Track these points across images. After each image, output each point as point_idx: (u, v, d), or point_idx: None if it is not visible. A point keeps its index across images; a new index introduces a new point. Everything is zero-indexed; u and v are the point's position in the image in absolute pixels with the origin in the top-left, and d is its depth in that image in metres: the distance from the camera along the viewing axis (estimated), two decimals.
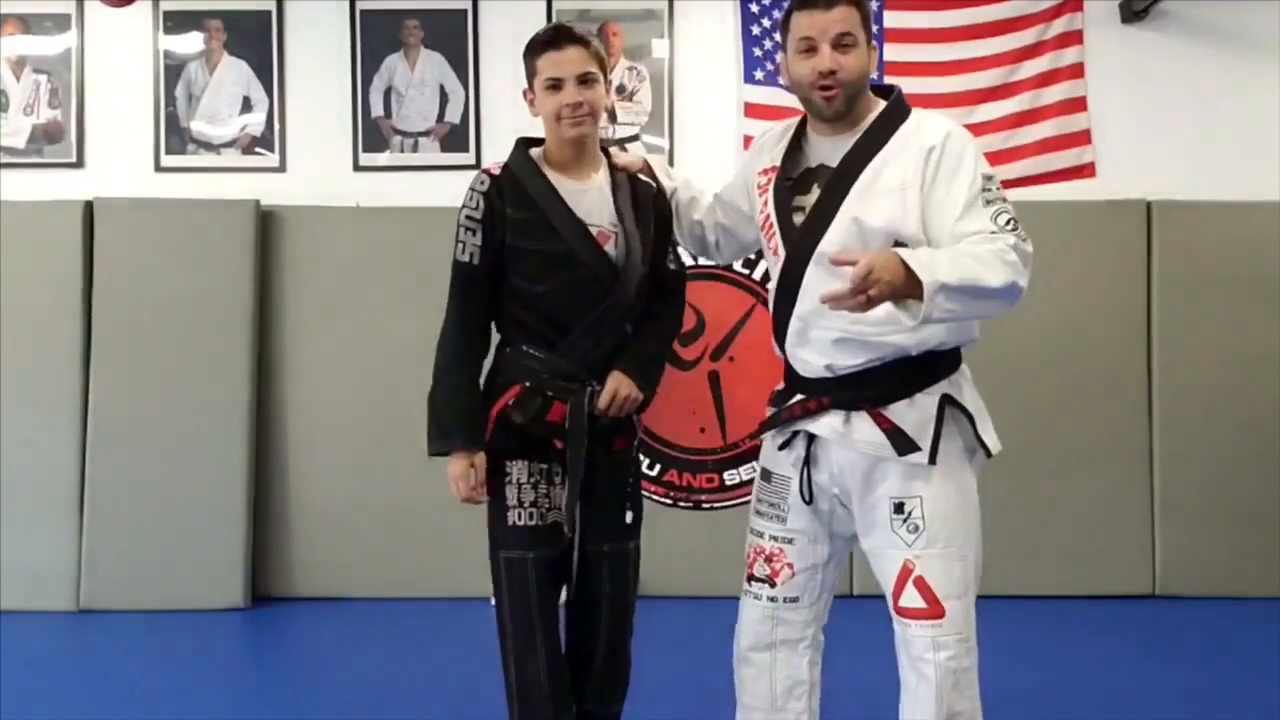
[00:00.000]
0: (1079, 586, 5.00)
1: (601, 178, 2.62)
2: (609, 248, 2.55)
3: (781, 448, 2.47)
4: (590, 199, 2.57)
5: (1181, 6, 5.21)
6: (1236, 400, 5.01)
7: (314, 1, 5.30)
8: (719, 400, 5.13)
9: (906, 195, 2.28)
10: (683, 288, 2.78)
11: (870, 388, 2.33)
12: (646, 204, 2.63)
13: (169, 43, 5.31)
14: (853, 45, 2.32)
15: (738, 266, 5.06)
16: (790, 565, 2.46)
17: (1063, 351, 5.02)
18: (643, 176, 2.69)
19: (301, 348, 5.13)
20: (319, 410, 5.11)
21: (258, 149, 5.33)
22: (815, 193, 2.38)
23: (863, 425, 2.33)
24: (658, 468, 5.09)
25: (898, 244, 2.26)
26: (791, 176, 2.43)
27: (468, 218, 2.57)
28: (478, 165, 5.12)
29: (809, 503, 2.42)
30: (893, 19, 5.18)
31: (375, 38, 5.31)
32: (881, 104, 2.40)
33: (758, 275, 5.12)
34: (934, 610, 2.31)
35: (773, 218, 2.42)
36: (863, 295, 2.08)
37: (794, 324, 2.39)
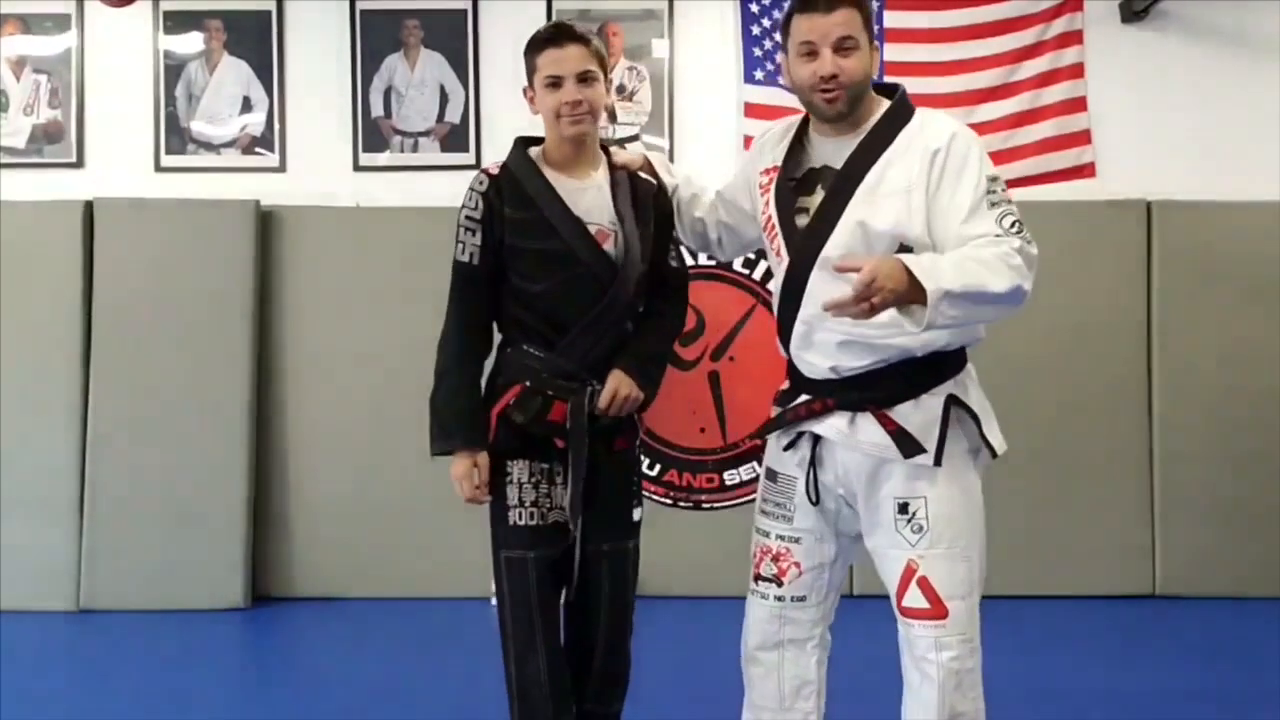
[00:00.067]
0: (1079, 586, 5.00)
1: (601, 176, 2.61)
2: (608, 246, 2.54)
3: (787, 448, 2.47)
4: (589, 197, 2.57)
5: (1181, 6, 5.21)
6: (1236, 400, 5.01)
7: (314, 1, 5.30)
8: (719, 400, 5.13)
9: (911, 198, 2.27)
10: (685, 285, 2.77)
11: (875, 389, 2.32)
12: (646, 201, 2.63)
13: (169, 43, 5.31)
14: (854, 48, 2.30)
15: (738, 266, 5.06)
16: (797, 564, 2.46)
17: (1062, 351, 5.02)
18: (643, 174, 2.68)
19: (301, 348, 5.13)
20: (319, 410, 5.11)
21: (258, 149, 5.33)
22: (819, 194, 2.37)
23: (868, 427, 2.33)
24: (658, 468, 5.09)
25: (902, 248, 2.26)
26: (794, 177, 2.42)
27: (467, 218, 2.57)
28: (478, 165, 5.12)
29: (815, 503, 2.42)
30: (893, 19, 5.18)
31: (375, 38, 5.31)
32: (885, 104, 2.39)
33: (758, 275, 5.12)
34: (937, 610, 2.31)
35: (775, 219, 2.42)
36: (866, 303, 2.08)
37: (798, 327, 2.38)
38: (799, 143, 2.45)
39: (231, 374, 4.99)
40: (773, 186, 2.44)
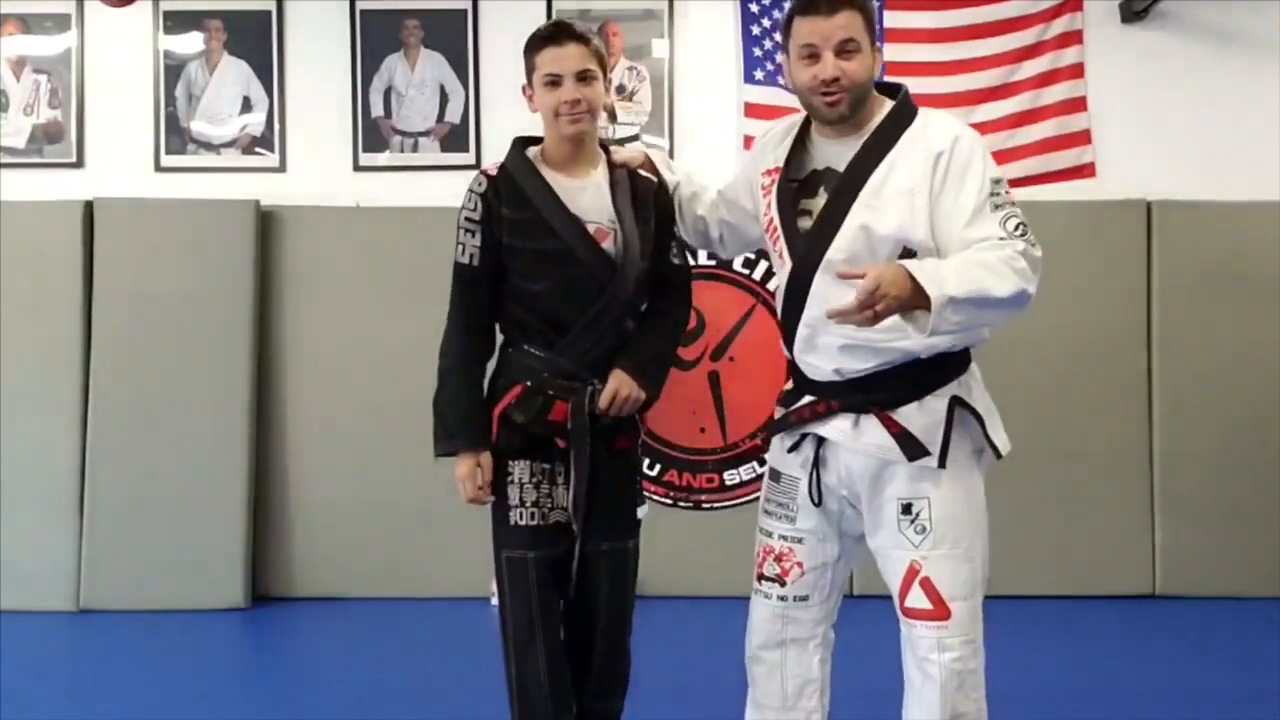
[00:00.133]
0: (1079, 586, 5.00)
1: (600, 174, 2.61)
2: (607, 245, 2.54)
3: (790, 450, 2.46)
4: (588, 196, 2.57)
5: (1181, 6, 5.21)
6: (1236, 400, 5.01)
7: (314, 1, 5.30)
8: (719, 400, 5.13)
9: (915, 201, 2.26)
10: (688, 283, 2.76)
11: (879, 391, 2.32)
12: (646, 199, 2.62)
13: (169, 43, 5.31)
14: (856, 51, 2.29)
15: (738, 265, 5.06)
16: (800, 564, 2.46)
17: (1063, 351, 5.01)
18: (643, 171, 2.68)
19: (301, 348, 5.13)
20: (319, 410, 5.10)
21: (258, 149, 5.33)
22: (822, 196, 2.36)
23: (871, 429, 2.33)
24: (658, 468, 5.09)
25: (906, 251, 2.25)
26: (796, 178, 2.41)
27: (466, 219, 2.58)
28: (478, 165, 5.12)
29: (817, 505, 2.42)
30: (893, 19, 5.18)
31: (375, 38, 5.31)
32: (888, 104, 2.38)
33: (758, 275, 5.12)
34: (940, 611, 2.30)
35: (776, 222, 2.41)
36: (870, 310, 2.07)
37: (802, 331, 2.38)
38: (801, 143, 2.44)
39: (231, 374, 4.99)
40: (775, 188, 2.43)
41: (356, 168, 5.32)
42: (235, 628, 4.74)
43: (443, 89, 5.31)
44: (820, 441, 2.40)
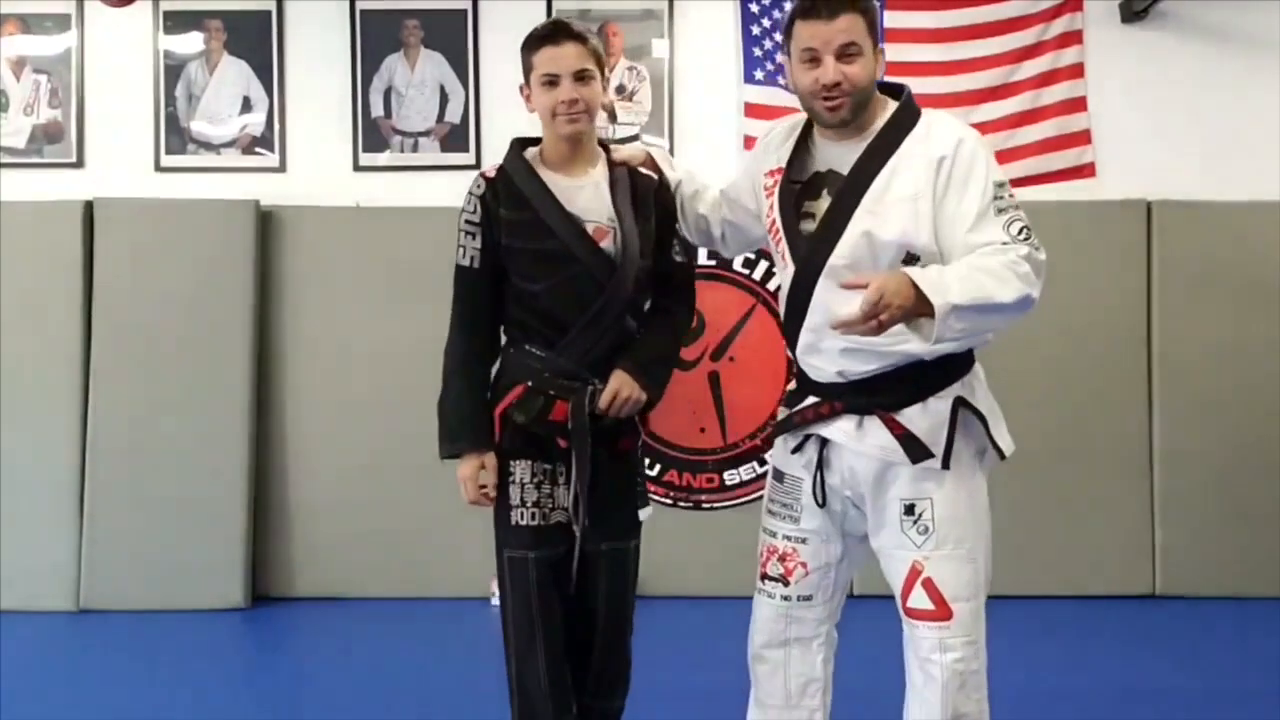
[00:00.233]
0: (1079, 586, 5.00)
1: (599, 173, 2.61)
2: (606, 244, 2.53)
3: (794, 451, 2.45)
4: (586, 195, 2.56)
5: (1181, 6, 5.21)
6: (1236, 400, 5.01)
7: (314, 1, 5.30)
8: (719, 400, 5.13)
9: (918, 206, 2.25)
10: (691, 281, 2.76)
11: (883, 393, 2.32)
12: (647, 197, 2.61)
13: (169, 43, 5.31)
14: (858, 54, 2.27)
15: (738, 265, 5.06)
16: (804, 564, 2.46)
17: (1063, 351, 5.01)
18: (644, 169, 2.67)
19: (301, 348, 5.13)
20: (319, 410, 5.10)
21: (258, 149, 5.33)
22: (825, 199, 2.35)
23: (875, 430, 2.32)
24: (658, 468, 5.09)
25: (909, 257, 2.25)
26: (799, 180, 2.40)
27: (466, 222, 2.58)
28: (478, 165, 5.12)
29: (821, 505, 2.42)
30: (893, 19, 5.18)
31: (375, 38, 5.30)
32: (891, 105, 2.36)
33: (758, 275, 5.12)
34: (941, 612, 2.30)
35: (779, 224, 2.40)
36: (874, 320, 2.07)
37: (805, 334, 2.38)
38: (804, 144, 2.43)
39: (231, 374, 4.99)
40: (777, 190, 2.42)
41: (356, 168, 5.32)
42: (235, 628, 4.74)
43: (443, 89, 5.31)
44: (824, 443, 2.40)
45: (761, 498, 2.61)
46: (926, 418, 2.30)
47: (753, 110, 5.22)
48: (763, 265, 5.08)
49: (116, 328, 4.98)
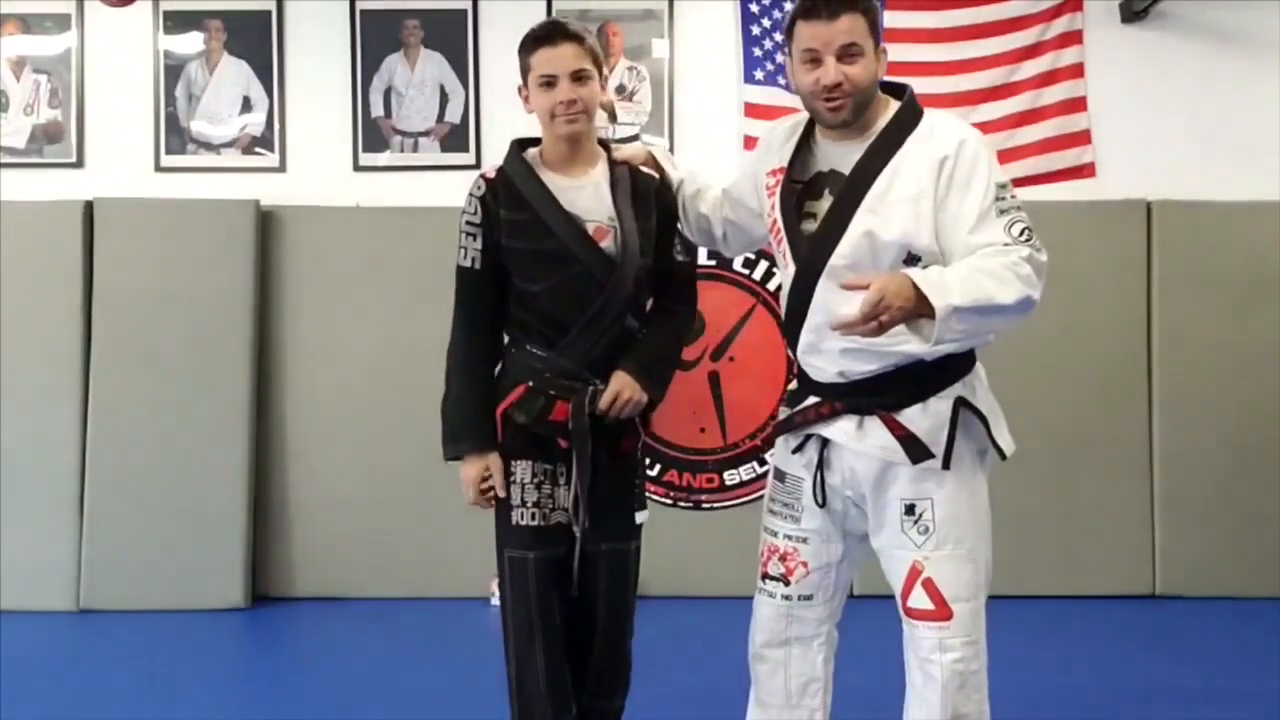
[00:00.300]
0: (1079, 586, 5.00)
1: (599, 173, 2.61)
2: (606, 243, 2.53)
3: (795, 451, 2.45)
4: (586, 195, 2.56)
5: (1181, 6, 5.21)
6: (1236, 400, 5.01)
7: (314, 1, 5.30)
8: (719, 400, 5.14)
9: (919, 206, 2.25)
10: (693, 280, 2.76)
11: (883, 394, 2.31)
12: (648, 196, 2.61)
13: (169, 43, 5.31)
14: (859, 55, 2.26)
15: (738, 265, 5.07)
16: (804, 564, 2.46)
17: (1063, 351, 5.01)
18: (645, 168, 2.67)
19: (301, 348, 5.13)
20: (319, 410, 5.10)
21: (258, 149, 5.33)
22: (826, 199, 2.35)
23: (876, 430, 2.32)
24: (658, 468, 5.09)
25: (910, 257, 2.25)
26: (800, 180, 2.40)
27: (467, 223, 2.58)
28: (478, 165, 5.13)
29: (822, 505, 2.42)
30: (893, 19, 5.17)
31: (375, 38, 5.30)
32: (893, 105, 2.36)
33: (758, 275, 5.12)
34: (941, 612, 2.30)
35: (780, 224, 2.40)
36: (874, 322, 2.07)
37: (805, 334, 2.37)
38: (806, 143, 2.42)
39: (231, 374, 4.99)
40: (779, 189, 2.42)
41: (356, 168, 5.32)
42: (235, 628, 4.74)
43: (443, 89, 5.31)
44: (825, 443, 2.40)
45: (761, 498, 2.61)
46: (927, 418, 2.30)
47: (753, 110, 5.22)
48: (763, 265, 5.08)
49: (116, 328, 4.98)
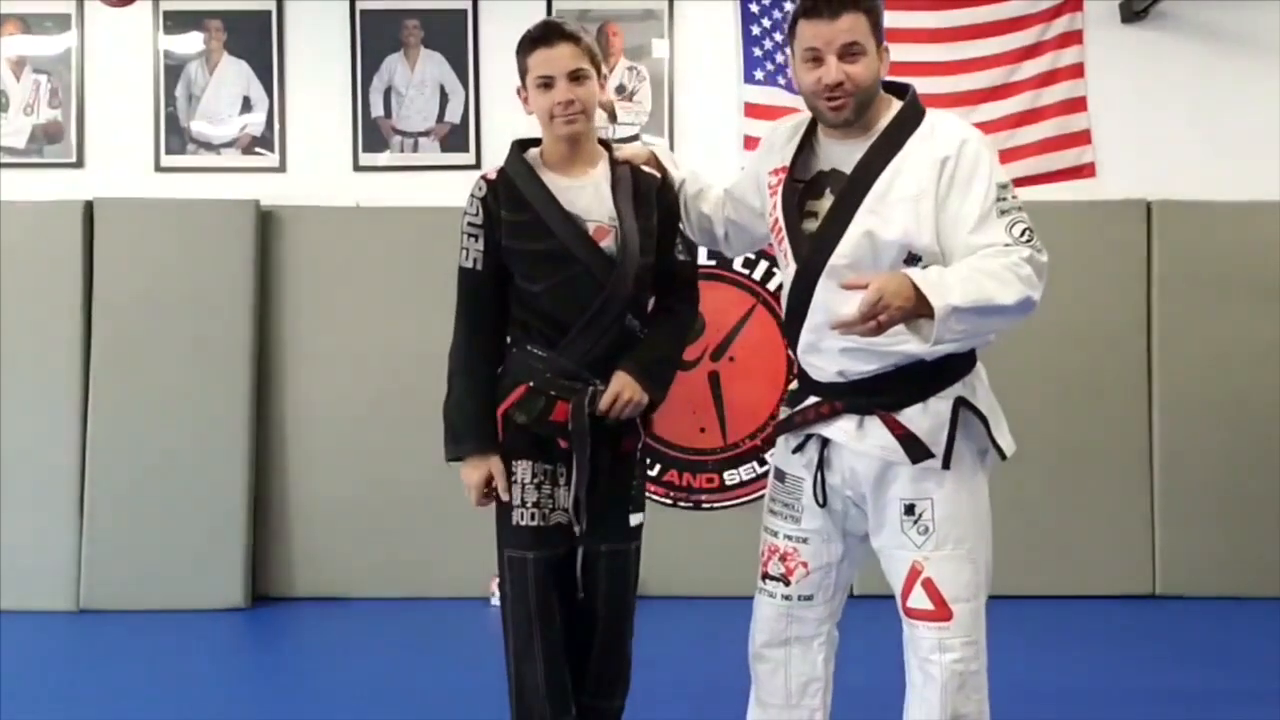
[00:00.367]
0: (1079, 586, 5.00)
1: (600, 173, 2.60)
2: (606, 243, 2.53)
3: (795, 450, 2.45)
4: (587, 195, 2.56)
5: (1181, 6, 5.21)
6: (1236, 400, 5.01)
7: (314, 1, 5.30)
8: (719, 400, 5.14)
9: (920, 206, 2.24)
10: (694, 280, 2.76)
11: (883, 394, 2.31)
12: (649, 195, 2.61)
13: (169, 43, 5.32)
14: (861, 53, 2.26)
15: (738, 265, 5.07)
16: (804, 564, 2.46)
17: (1063, 351, 5.01)
18: (647, 168, 2.67)
19: (301, 348, 5.13)
20: (319, 410, 5.10)
21: (258, 149, 5.33)
22: (828, 198, 2.34)
23: (876, 430, 2.32)
24: (658, 468, 5.09)
25: (911, 257, 2.25)
26: (802, 179, 2.40)
27: (469, 224, 2.58)
28: (478, 165, 5.13)
29: (822, 505, 2.42)
30: (892, 19, 5.05)
31: (375, 38, 5.31)
32: (896, 104, 2.35)
33: (758, 275, 5.12)
34: (941, 612, 2.30)
35: (781, 223, 2.40)
36: (873, 321, 2.07)
37: (805, 334, 2.37)
38: (808, 143, 2.42)
39: (231, 374, 4.99)
40: (781, 189, 2.41)
41: (356, 168, 5.32)
42: (235, 628, 4.74)
43: (443, 89, 5.31)
44: (825, 442, 2.40)
45: (761, 498, 2.61)
46: (927, 418, 2.30)
47: (753, 110, 5.22)
48: (763, 265, 5.08)
49: (116, 328, 4.98)
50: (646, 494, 2.70)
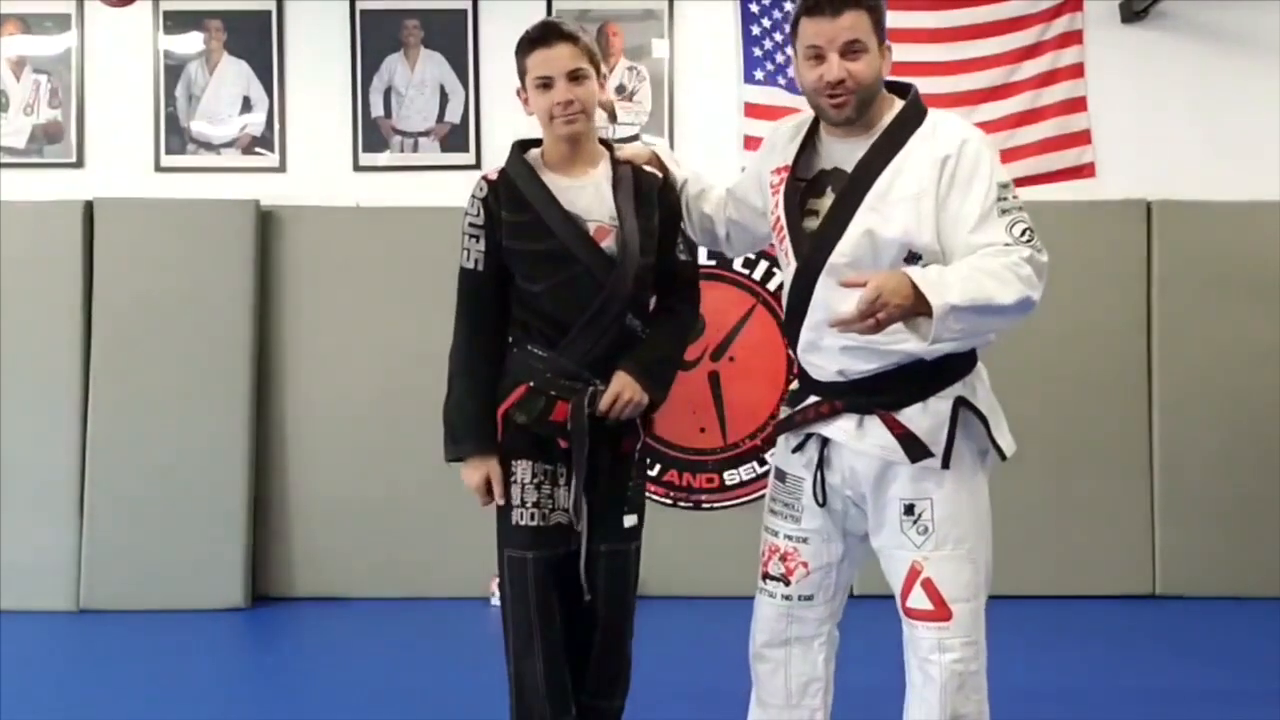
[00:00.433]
0: (1079, 586, 5.00)
1: (601, 173, 2.60)
2: (607, 243, 2.53)
3: (795, 450, 2.45)
4: (587, 195, 2.56)
5: (1181, 6, 5.21)
6: (1237, 400, 5.01)
7: (314, 1, 5.30)
8: (719, 400, 5.14)
9: (921, 205, 2.24)
10: (696, 280, 2.76)
11: (883, 393, 2.31)
12: (649, 195, 2.61)
13: (169, 43, 5.32)
14: (863, 51, 2.26)
15: (738, 265, 5.07)
16: (805, 564, 2.46)
17: (1063, 351, 5.01)
18: (648, 168, 2.67)
19: (301, 348, 5.13)
20: (319, 410, 5.10)
21: (258, 149, 5.33)
22: (829, 197, 2.35)
23: (875, 429, 2.32)
24: (658, 468, 5.09)
25: (911, 255, 2.25)
26: (804, 178, 2.40)
27: (470, 225, 2.58)
28: (478, 165, 5.13)
29: (822, 505, 2.42)
30: (893, 19, 5.05)
31: (375, 38, 5.31)
32: (898, 104, 2.36)
33: (758, 275, 5.12)
34: (941, 612, 2.30)
35: (783, 222, 2.40)
36: (871, 319, 2.07)
37: (805, 332, 2.37)
38: (810, 142, 2.42)
39: (231, 374, 4.99)
40: (783, 187, 2.42)
41: (356, 168, 5.32)
42: (235, 628, 4.74)
43: (443, 89, 5.31)
44: (825, 442, 2.40)
45: (761, 498, 2.61)
46: (927, 417, 2.30)
47: (753, 110, 5.22)
48: (763, 265, 5.08)
49: (116, 328, 4.98)
50: (647, 494, 2.70)
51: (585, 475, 2.52)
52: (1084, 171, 5.24)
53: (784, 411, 2.51)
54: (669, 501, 5.11)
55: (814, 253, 2.33)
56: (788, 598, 2.47)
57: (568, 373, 2.53)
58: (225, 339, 5.00)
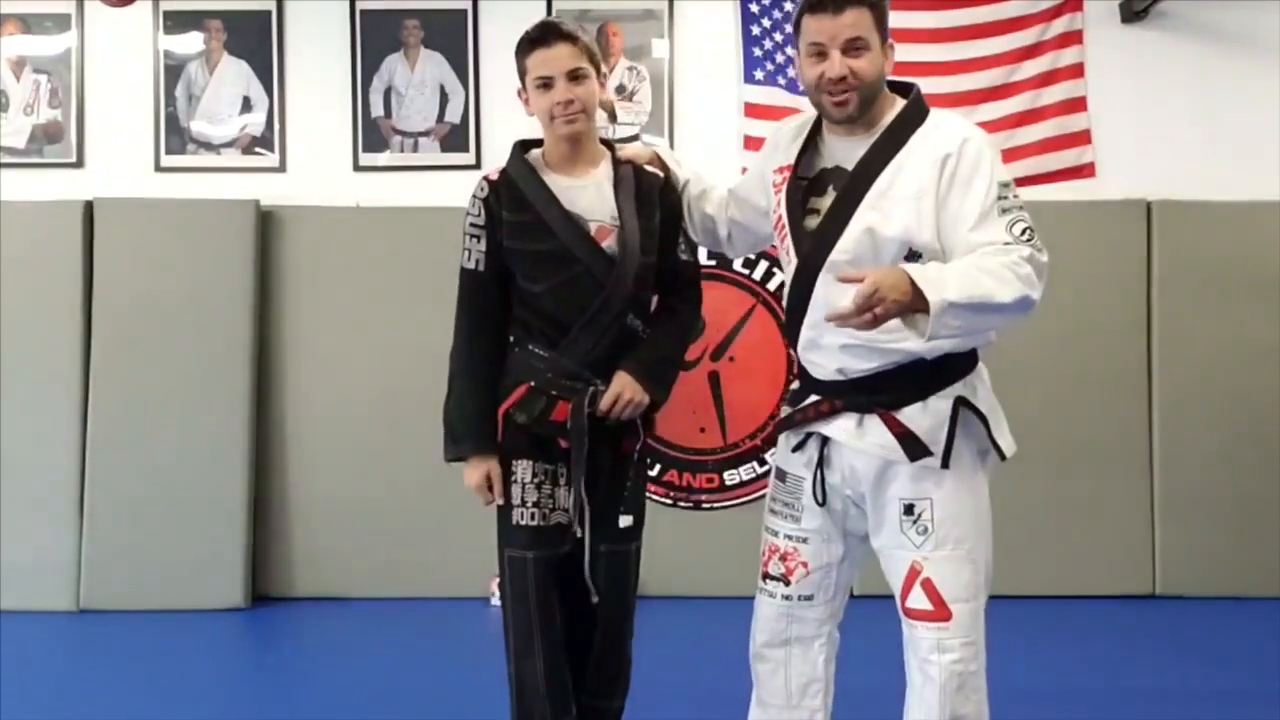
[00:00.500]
0: (1079, 586, 5.00)
1: (602, 173, 2.61)
2: (608, 243, 2.54)
3: (795, 449, 2.45)
4: (588, 195, 2.57)
5: (1181, 6, 5.21)
6: (1236, 400, 5.01)
7: (314, 1, 5.30)
8: (719, 400, 5.14)
9: (921, 203, 2.25)
10: (697, 280, 2.76)
11: (883, 392, 2.31)
12: (650, 195, 2.61)
13: (169, 43, 5.32)
14: (865, 49, 2.27)
15: (738, 265, 5.07)
16: (804, 564, 2.46)
17: (1063, 351, 5.01)
18: (650, 167, 2.67)
19: (301, 348, 5.13)
20: (319, 410, 5.10)
21: (258, 149, 5.33)
22: (830, 195, 2.35)
23: (875, 429, 2.32)
24: (658, 468, 5.08)
25: (912, 253, 2.25)
26: (806, 176, 2.40)
27: (471, 225, 2.59)
28: (478, 165, 5.13)
29: (821, 504, 2.42)
30: (893, 19, 5.05)
31: (375, 38, 5.31)
32: (900, 103, 2.36)
33: (758, 275, 5.12)
34: (940, 613, 2.30)
35: (785, 220, 2.40)
36: (869, 314, 2.07)
37: (806, 330, 2.38)
38: (813, 141, 2.43)
39: (231, 374, 4.99)
40: (785, 186, 2.42)
41: (356, 168, 5.32)
42: (235, 628, 4.74)
43: (443, 89, 5.31)
44: (825, 441, 2.40)
45: (761, 497, 2.62)
46: (927, 417, 2.30)
47: (753, 110, 5.22)
48: (763, 265, 5.08)
49: (116, 328, 4.98)
50: (647, 494, 2.70)
51: (586, 475, 2.52)
52: (1084, 171, 5.24)
53: (784, 410, 2.51)
54: (669, 501, 5.11)
55: (814, 250, 2.33)
56: (788, 598, 2.47)
57: (568, 373, 2.53)
58: (225, 339, 5.00)
